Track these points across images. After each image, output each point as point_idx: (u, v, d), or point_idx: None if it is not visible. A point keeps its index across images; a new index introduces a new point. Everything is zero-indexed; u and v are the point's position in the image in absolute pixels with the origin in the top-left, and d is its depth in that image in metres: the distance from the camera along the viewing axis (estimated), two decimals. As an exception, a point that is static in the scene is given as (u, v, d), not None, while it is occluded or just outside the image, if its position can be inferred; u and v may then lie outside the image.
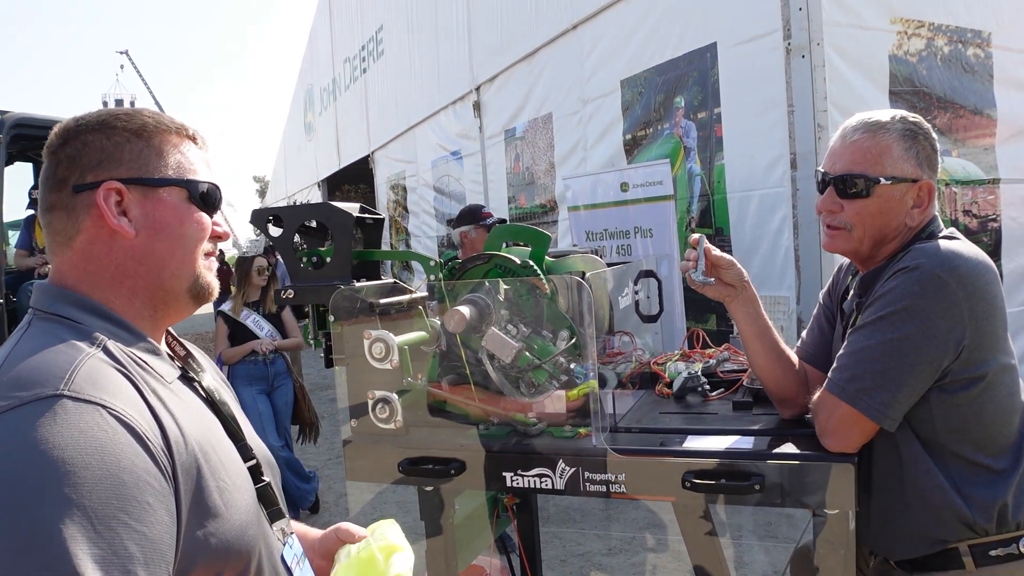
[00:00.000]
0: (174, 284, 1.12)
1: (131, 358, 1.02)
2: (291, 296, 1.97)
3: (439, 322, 1.91)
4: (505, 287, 1.86)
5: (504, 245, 2.07)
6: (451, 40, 9.88)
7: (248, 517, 1.05)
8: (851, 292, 1.83)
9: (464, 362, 1.89)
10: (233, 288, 5.33)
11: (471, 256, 1.97)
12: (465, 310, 1.75)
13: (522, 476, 1.72)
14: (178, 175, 1.13)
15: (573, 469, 1.68)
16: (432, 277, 1.97)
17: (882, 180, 1.66)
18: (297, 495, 5.25)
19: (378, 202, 13.90)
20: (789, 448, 1.62)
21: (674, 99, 5.79)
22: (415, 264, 7.53)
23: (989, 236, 5.44)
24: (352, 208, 1.99)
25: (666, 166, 4.97)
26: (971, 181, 5.42)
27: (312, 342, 2.11)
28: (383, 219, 2.14)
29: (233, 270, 5.44)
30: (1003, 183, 5.60)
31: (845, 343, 1.65)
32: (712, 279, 1.77)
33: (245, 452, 1.13)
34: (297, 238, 2.07)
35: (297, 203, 18.54)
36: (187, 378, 1.13)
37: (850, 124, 1.74)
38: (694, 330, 2.35)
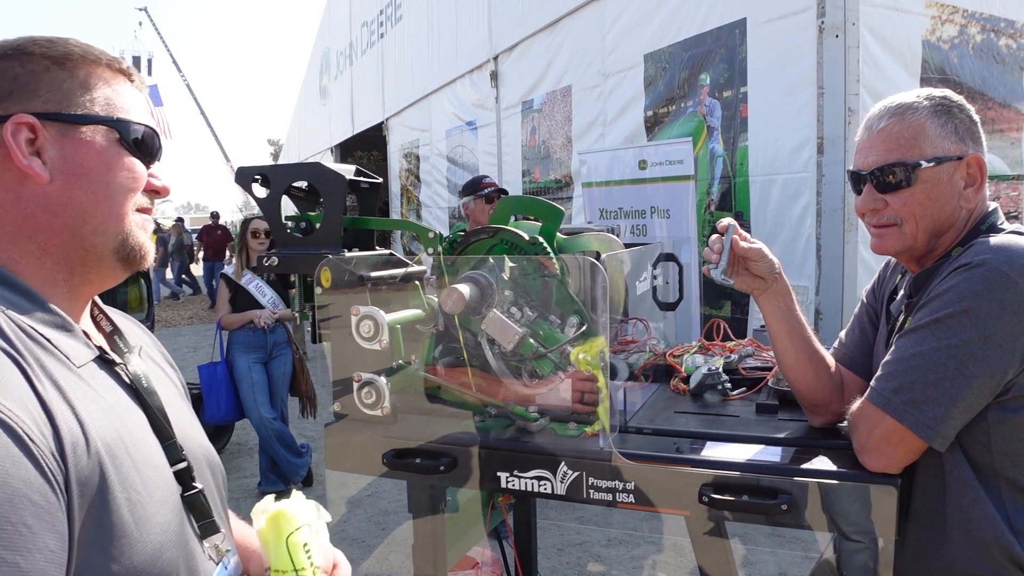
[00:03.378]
0: (97, 242, 0.93)
1: (28, 334, 0.82)
2: (275, 264, 1.79)
3: (436, 300, 1.74)
4: (511, 265, 1.68)
5: (513, 219, 1.89)
6: (470, 7, 9.63)
7: (166, 536, 0.87)
8: (900, 292, 1.63)
9: (462, 346, 1.71)
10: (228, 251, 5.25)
11: (475, 229, 1.79)
12: (464, 289, 1.57)
13: (519, 477, 1.54)
14: (107, 113, 0.94)
15: (576, 473, 1.50)
16: (430, 250, 1.79)
17: (923, 163, 1.46)
18: (288, 469, 5.14)
19: (390, 170, 13.71)
20: (823, 463, 1.43)
21: (699, 76, 5.57)
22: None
23: (1010, 234, 5.28)
24: (346, 170, 1.81)
25: (688, 145, 4.76)
26: (995, 176, 5.26)
27: (298, 314, 1.93)
28: (380, 184, 1.95)
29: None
30: None
31: (892, 348, 1.45)
32: (732, 281, 1.60)
33: (172, 453, 0.94)
34: (286, 201, 1.89)
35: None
36: (106, 360, 0.93)
37: (873, 113, 1.55)
38: (714, 320, 2.15)
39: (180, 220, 22.16)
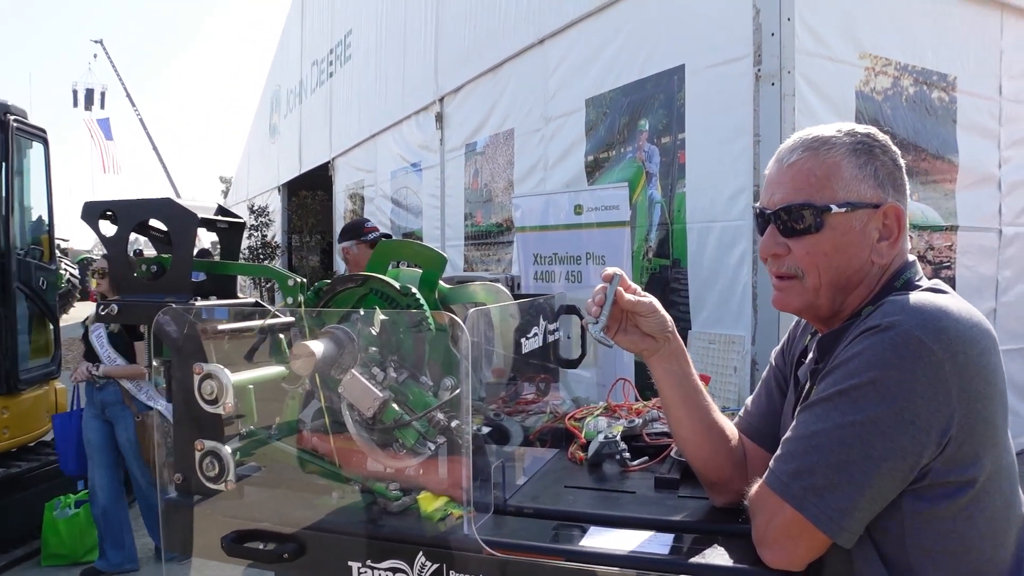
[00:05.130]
0: None
1: None
2: (113, 313, 1.57)
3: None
4: (381, 318, 1.48)
5: (393, 265, 1.70)
6: (418, 48, 9.58)
7: None
8: (809, 355, 1.44)
9: (324, 409, 1.50)
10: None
11: (341, 277, 1.59)
12: (317, 347, 1.36)
13: (372, 568, 1.32)
14: None
15: (436, 565, 1.28)
16: (289, 300, 1.58)
17: (833, 207, 1.27)
18: (103, 562, 4.57)
19: (335, 211, 13.52)
20: (717, 557, 1.23)
21: (639, 122, 5.50)
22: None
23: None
24: (201, 207, 1.60)
25: (623, 190, 4.65)
26: (928, 226, 5.32)
27: (148, 370, 1.71)
28: (243, 224, 1.75)
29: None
30: (961, 230, 5.53)
31: (794, 423, 1.25)
32: (612, 341, 1.40)
33: None
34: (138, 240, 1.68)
35: (255, 208, 18.04)
36: None
37: (786, 145, 1.35)
38: (621, 379, 1.98)
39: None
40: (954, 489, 1.16)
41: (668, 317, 1.42)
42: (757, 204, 1.38)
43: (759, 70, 4.47)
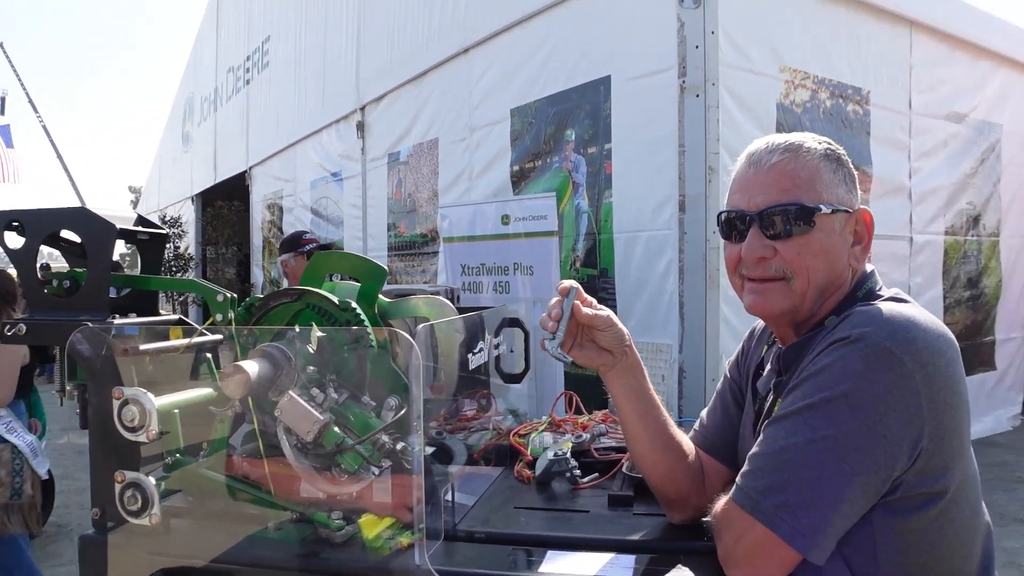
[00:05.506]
0: None
1: None
2: (21, 333, 1.43)
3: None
4: (319, 335, 1.39)
5: (330, 278, 1.61)
6: (338, 55, 9.40)
7: None
8: (767, 367, 1.42)
9: (257, 433, 1.41)
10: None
11: (275, 292, 1.49)
12: (251, 367, 1.27)
13: (314, 605, 1.24)
14: None
15: (384, 600, 1.21)
16: (218, 317, 1.48)
17: (822, 208, 1.26)
18: None
19: (253, 222, 13.15)
20: (680, 578, 1.20)
21: (565, 132, 5.50)
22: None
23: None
24: (119, 217, 1.49)
25: (551, 200, 4.63)
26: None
27: (59, 395, 1.58)
28: (166, 236, 1.64)
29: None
30: (875, 238, 5.58)
31: (761, 438, 1.22)
32: (570, 358, 1.35)
33: None
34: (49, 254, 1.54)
35: (167, 219, 17.43)
36: None
37: (760, 148, 1.33)
38: (567, 392, 1.93)
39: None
40: (925, 501, 1.15)
41: (625, 330, 1.38)
42: (726, 208, 1.35)
43: (684, 82, 4.52)
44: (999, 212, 7.31)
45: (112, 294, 1.59)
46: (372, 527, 1.32)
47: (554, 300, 1.35)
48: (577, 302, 1.34)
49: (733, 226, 1.34)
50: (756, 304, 1.33)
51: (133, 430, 1.28)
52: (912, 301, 1.26)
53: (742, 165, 1.35)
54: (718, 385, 1.58)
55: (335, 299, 1.44)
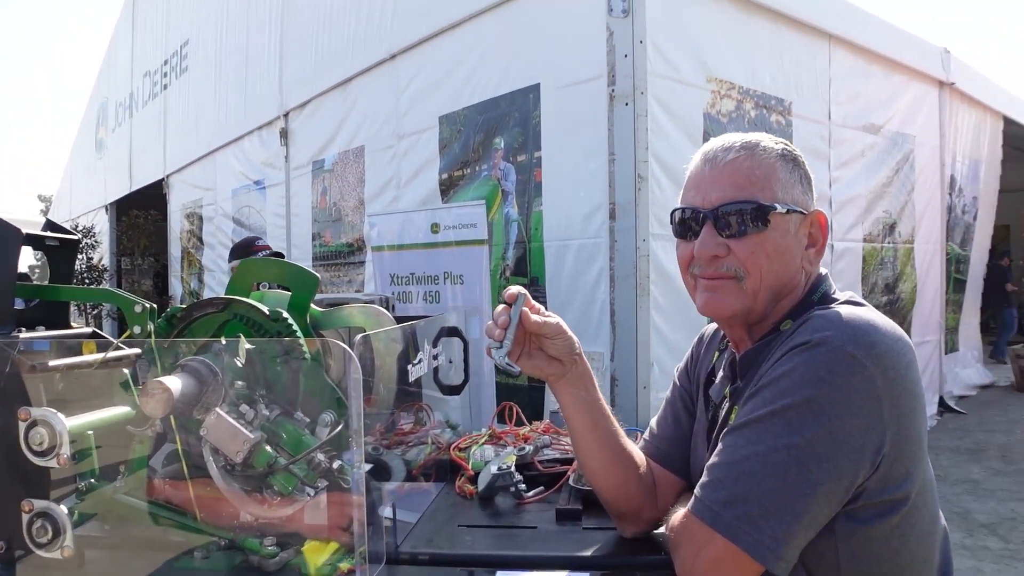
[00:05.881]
0: None
1: None
2: (-88, 349, 1.31)
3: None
4: (247, 348, 1.31)
5: (258, 287, 1.52)
6: (260, 61, 9.19)
7: None
8: (719, 373, 1.39)
9: (180, 454, 1.31)
10: None
11: (199, 302, 1.40)
12: (174, 383, 1.18)
13: (245, 638, 1.16)
14: None
15: (321, 630, 1.13)
16: (137, 329, 1.38)
17: (778, 207, 1.24)
18: None
19: (171, 231, 12.74)
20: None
21: (494, 139, 5.46)
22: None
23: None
24: (25, 222, 1.37)
25: (481, 208, 4.58)
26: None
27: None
28: (77, 241, 1.52)
29: None
30: None
31: (720, 447, 1.18)
32: (518, 367, 1.30)
33: None
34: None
35: (79, 228, 16.75)
36: None
37: (716, 146, 1.31)
38: (506, 403, 1.88)
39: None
40: (887, 508, 1.13)
41: (575, 338, 1.34)
42: (680, 205, 1.31)
43: (613, 90, 4.54)
44: (913, 220, 7.59)
45: (19, 306, 1.47)
46: (317, 554, 1.24)
47: (500, 307, 1.30)
48: (526, 309, 1.29)
49: (687, 224, 1.31)
50: (710, 303, 1.29)
51: (42, 454, 1.18)
52: (867, 304, 1.25)
53: (697, 163, 1.32)
54: (667, 393, 1.55)
55: (264, 309, 1.35)
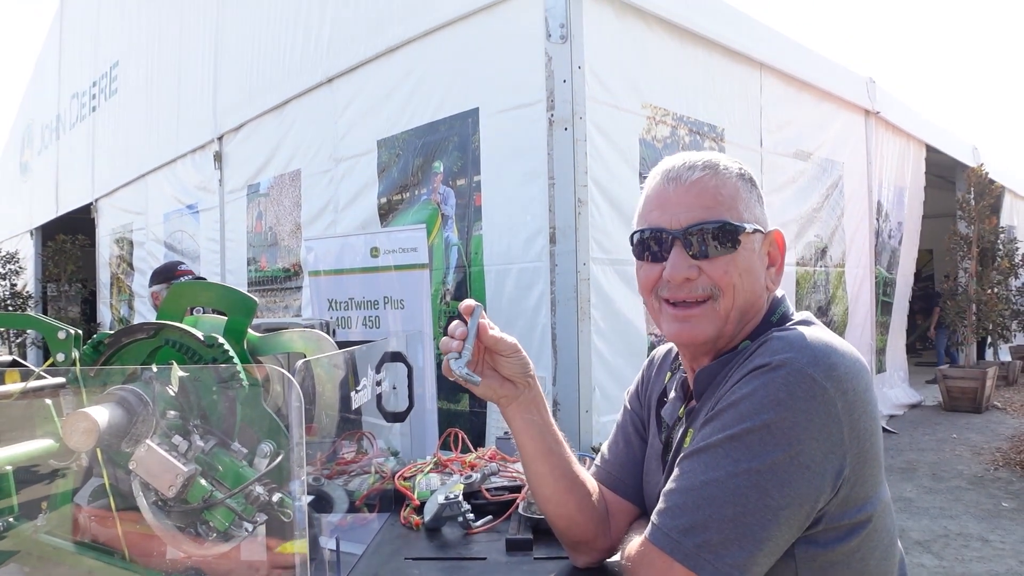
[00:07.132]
0: None
1: None
2: None
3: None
4: (180, 375, 1.25)
5: (191, 311, 1.47)
6: (193, 83, 9.02)
7: None
8: (671, 394, 1.37)
9: (108, 488, 1.25)
10: None
11: (129, 327, 1.34)
12: (100, 414, 1.11)
13: None
14: None
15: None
16: (60, 356, 1.31)
17: (747, 227, 1.23)
18: None
19: (99, 257, 12.36)
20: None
21: (433, 163, 5.45)
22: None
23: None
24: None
25: (421, 232, 4.54)
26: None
27: None
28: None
29: None
30: None
31: (677, 472, 1.14)
32: (479, 377, 1.25)
33: None
34: None
35: (2, 254, 16.12)
36: None
37: (677, 164, 1.27)
38: (451, 430, 1.84)
39: None
40: (847, 531, 1.12)
41: (529, 360, 1.31)
42: (644, 227, 1.28)
43: (552, 115, 4.57)
44: (844, 244, 7.82)
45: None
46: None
47: (454, 322, 1.26)
48: (483, 321, 1.26)
49: (648, 246, 1.28)
50: (683, 332, 1.26)
51: (-45, 493, 1.11)
52: (820, 324, 1.25)
53: (658, 182, 1.29)
54: (618, 418, 1.52)
55: (199, 334, 1.30)
